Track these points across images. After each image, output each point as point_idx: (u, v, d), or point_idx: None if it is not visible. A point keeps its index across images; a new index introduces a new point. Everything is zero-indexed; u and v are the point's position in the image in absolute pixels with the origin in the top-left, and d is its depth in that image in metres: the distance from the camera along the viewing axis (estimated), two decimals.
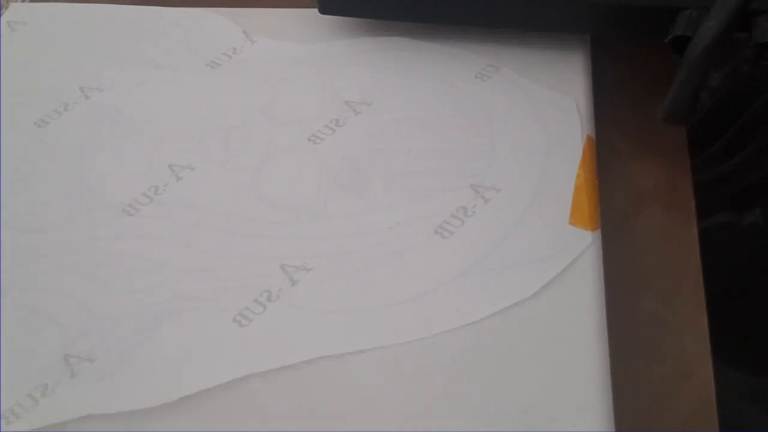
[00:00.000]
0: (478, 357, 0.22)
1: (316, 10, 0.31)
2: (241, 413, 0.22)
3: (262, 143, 0.28)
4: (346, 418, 0.21)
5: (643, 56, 0.31)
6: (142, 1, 0.34)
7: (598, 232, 0.25)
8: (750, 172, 0.37)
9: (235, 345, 0.23)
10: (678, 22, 0.26)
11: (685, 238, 0.26)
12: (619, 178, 0.28)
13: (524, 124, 0.28)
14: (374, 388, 0.22)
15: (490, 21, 0.29)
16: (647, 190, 0.27)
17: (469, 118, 0.28)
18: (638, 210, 0.27)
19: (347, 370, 0.22)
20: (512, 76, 0.29)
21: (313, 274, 0.24)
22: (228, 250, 0.25)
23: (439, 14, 0.30)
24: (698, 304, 0.24)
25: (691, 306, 0.24)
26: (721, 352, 0.25)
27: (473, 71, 0.30)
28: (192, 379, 0.22)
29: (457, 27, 0.31)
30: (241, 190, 0.27)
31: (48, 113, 0.29)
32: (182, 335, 0.23)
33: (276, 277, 0.24)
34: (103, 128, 0.29)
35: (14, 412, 0.21)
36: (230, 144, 0.28)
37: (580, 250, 0.24)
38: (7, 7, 0.33)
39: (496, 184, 0.26)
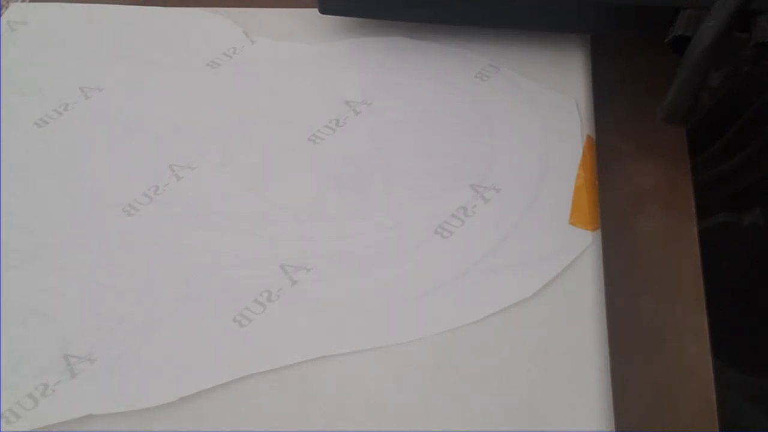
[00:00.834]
0: (478, 357, 0.22)
1: (316, 10, 0.31)
2: (241, 413, 0.22)
3: (262, 143, 0.28)
4: (346, 418, 0.21)
5: (643, 56, 0.31)
6: (142, 1, 0.34)
7: (598, 232, 0.25)
8: (750, 172, 0.37)
9: (235, 345, 0.23)
10: (678, 22, 0.26)
11: (685, 238, 0.26)
12: (619, 178, 0.28)
13: (524, 124, 0.28)
14: (374, 388, 0.22)
15: (490, 21, 0.29)
16: (647, 190, 0.27)
17: (469, 118, 0.28)
18: (638, 210, 0.27)
19: (347, 370, 0.22)
20: (512, 76, 0.29)
21: (313, 274, 0.24)
22: (228, 250, 0.25)
23: (439, 14, 0.30)
24: (698, 304, 0.24)
25: (691, 306, 0.24)
26: (721, 352, 0.25)
27: (473, 71, 0.30)
28: (192, 379, 0.22)
29: (457, 27, 0.31)
30: (241, 190, 0.27)
31: (48, 113, 0.29)
32: (182, 335, 0.23)
33: (276, 277, 0.24)
34: (103, 128, 0.29)
35: (14, 412, 0.21)
36: (230, 144, 0.28)
37: (580, 250, 0.24)
38: (7, 7, 0.33)
39: (496, 184, 0.26)
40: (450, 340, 0.23)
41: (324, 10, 0.31)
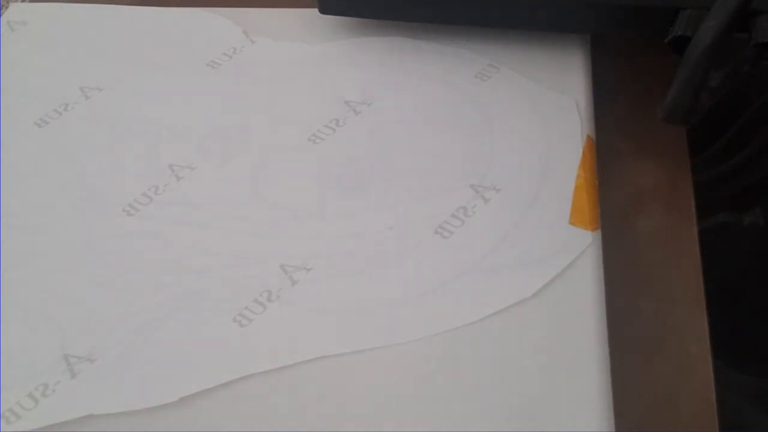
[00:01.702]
0: (478, 357, 0.22)
1: (316, 10, 0.31)
2: (241, 413, 0.22)
3: (262, 143, 0.28)
4: (346, 418, 0.21)
5: (643, 56, 0.31)
6: (142, 1, 0.33)
7: (598, 232, 0.25)
8: (750, 172, 0.37)
9: (235, 345, 0.23)
10: (678, 22, 0.26)
11: (685, 238, 0.26)
12: (619, 178, 0.28)
13: (524, 124, 0.28)
14: (374, 388, 0.22)
15: (490, 21, 0.29)
16: (647, 190, 0.27)
17: (469, 118, 0.28)
18: (638, 210, 0.27)
19: (347, 370, 0.22)
20: (512, 76, 0.29)
21: (313, 274, 0.24)
22: (228, 250, 0.25)
23: (439, 14, 0.30)
24: (698, 304, 0.24)
25: (691, 306, 0.24)
26: (721, 352, 0.25)
27: (473, 71, 0.30)
28: (192, 379, 0.22)
29: (457, 27, 0.31)
30: (241, 190, 0.27)
31: (48, 113, 0.29)
32: (182, 335, 0.23)
33: (276, 277, 0.24)
34: (104, 128, 0.29)
35: (14, 412, 0.21)
36: (230, 144, 0.28)
37: (580, 250, 0.24)
38: (7, 7, 0.33)
39: (496, 184, 0.26)
40: (450, 340, 0.23)
41: (324, 10, 0.31)
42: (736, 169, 0.37)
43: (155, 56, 0.31)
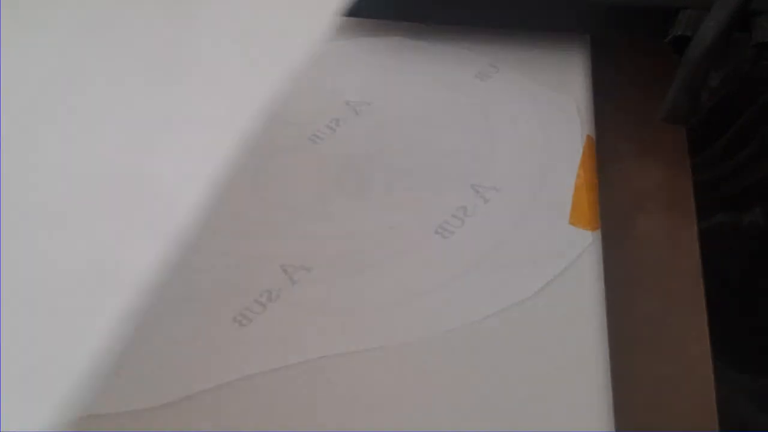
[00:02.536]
0: (478, 357, 0.22)
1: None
2: (241, 413, 0.22)
3: (261, 143, 0.28)
4: (345, 418, 0.21)
5: (643, 56, 0.31)
6: None
7: (598, 232, 0.25)
8: (750, 172, 0.37)
9: (235, 345, 0.23)
10: (678, 22, 0.26)
11: (685, 238, 0.26)
12: (619, 178, 0.28)
13: (524, 124, 0.28)
14: (374, 388, 0.22)
15: (490, 21, 0.29)
16: (647, 190, 0.27)
17: (469, 118, 0.28)
18: (638, 210, 0.27)
19: (347, 370, 0.22)
20: (512, 76, 0.29)
21: (313, 274, 0.24)
22: (228, 249, 0.25)
23: (439, 14, 0.30)
24: (698, 304, 0.24)
25: (691, 306, 0.24)
26: (721, 352, 0.25)
27: (473, 71, 0.30)
28: (192, 379, 0.22)
29: (457, 27, 0.31)
30: (241, 190, 0.27)
31: None
32: (182, 335, 0.23)
33: (276, 277, 0.24)
34: None
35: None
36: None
37: (580, 250, 0.24)
38: None
39: (496, 184, 0.26)
40: (450, 340, 0.23)
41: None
42: (736, 169, 0.37)
43: None
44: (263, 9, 0.27)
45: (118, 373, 0.22)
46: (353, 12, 0.30)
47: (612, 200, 0.27)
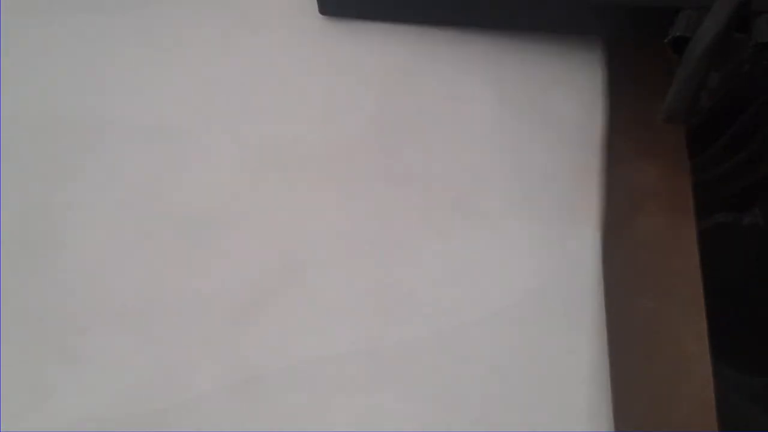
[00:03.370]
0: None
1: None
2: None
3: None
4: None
5: (643, 56, 0.31)
6: None
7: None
8: (750, 172, 0.37)
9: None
10: (678, 22, 0.26)
11: (685, 238, 0.26)
12: (619, 178, 0.28)
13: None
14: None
15: (491, 22, 0.29)
16: (647, 190, 0.27)
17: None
18: (638, 210, 0.27)
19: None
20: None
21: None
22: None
23: (438, 16, 0.30)
24: (697, 304, 0.24)
25: (690, 306, 0.24)
26: (721, 352, 0.25)
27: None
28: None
29: (457, 28, 0.31)
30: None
31: None
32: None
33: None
34: None
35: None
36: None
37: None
38: None
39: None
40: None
41: (324, 11, 0.31)
42: (736, 169, 0.37)
43: None
44: None
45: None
46: (329, 9, 0.30)
47: (612, 200, 0.27)
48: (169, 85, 0.29)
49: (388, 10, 0.30)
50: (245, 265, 0.25)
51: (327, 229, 0.25)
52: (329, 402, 0.22)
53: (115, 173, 0.26)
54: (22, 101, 0.28)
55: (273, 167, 0.27)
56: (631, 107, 0.30)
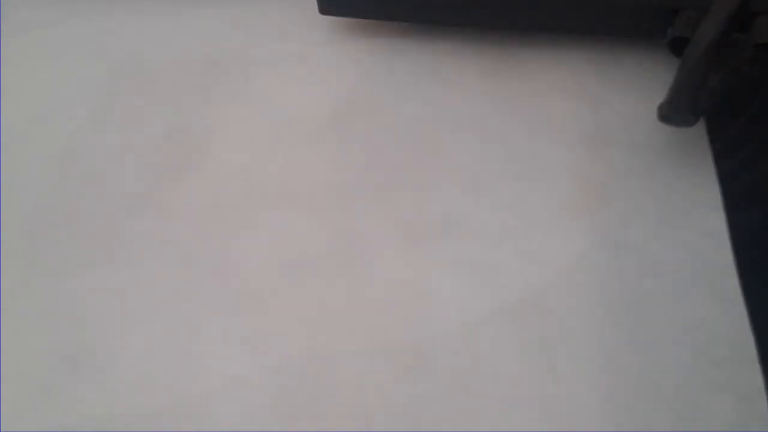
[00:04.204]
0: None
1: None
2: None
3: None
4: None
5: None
6: None
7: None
8: (750, 172, 0.37)
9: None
10: (678, 22, 0.26)
11: None
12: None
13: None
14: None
15: (489, 21, 0.29)
16: None
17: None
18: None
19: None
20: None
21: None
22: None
23: (438, 15, 0.30)
24: None
25: None
26: None
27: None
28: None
29: (457, 28, 0.31)
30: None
31: None
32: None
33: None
34: None
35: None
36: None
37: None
38: None
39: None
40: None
41: (324, 11, 0.31)
42: (736, 169, 0.37)
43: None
44: None
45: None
46: (329, 9, 0.30)
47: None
48: None
49: (388, 10, 0.30)
50: (246, 264, 0.25)
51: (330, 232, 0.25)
52: (333, 397, 0.22)
53: None
54: None
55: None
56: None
